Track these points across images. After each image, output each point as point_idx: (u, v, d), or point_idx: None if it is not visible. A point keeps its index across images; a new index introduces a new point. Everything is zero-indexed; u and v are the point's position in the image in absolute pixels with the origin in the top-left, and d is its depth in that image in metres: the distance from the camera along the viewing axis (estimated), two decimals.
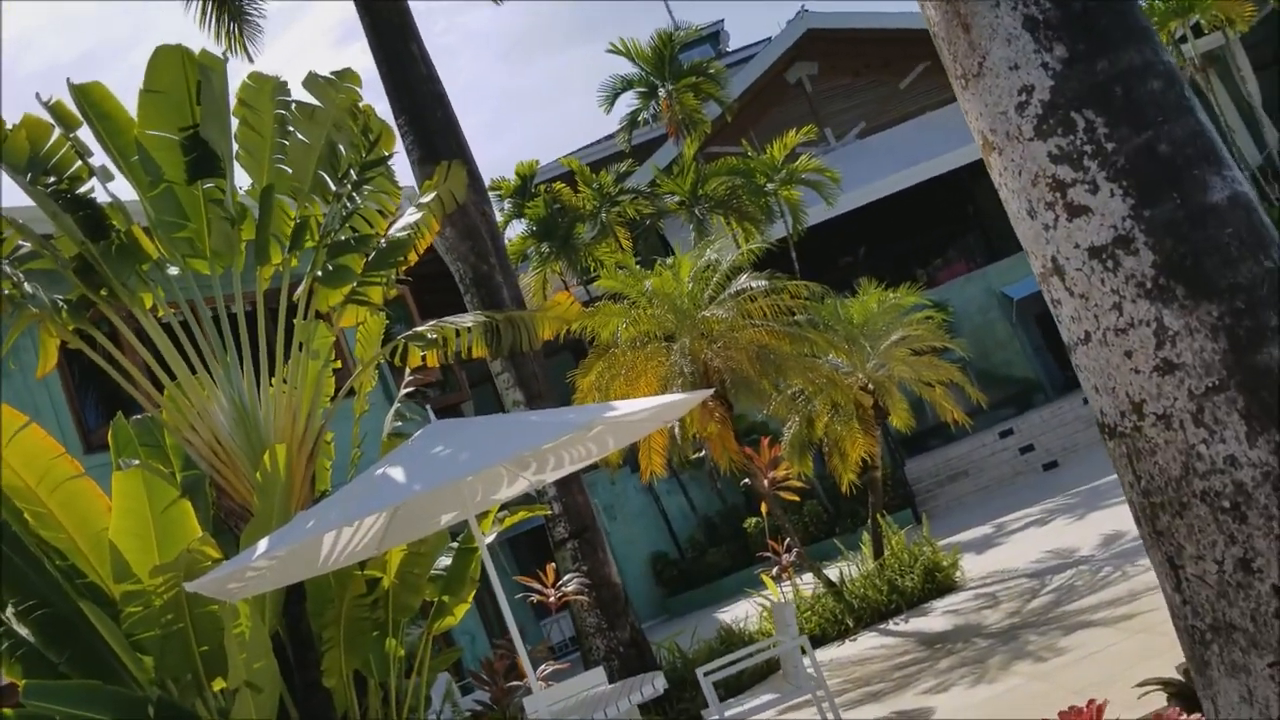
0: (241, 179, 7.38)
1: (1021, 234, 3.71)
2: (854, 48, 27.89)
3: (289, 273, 7.57)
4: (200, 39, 16.43)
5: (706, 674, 7.85)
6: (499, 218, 23.14)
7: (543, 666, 10.22)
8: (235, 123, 7.17)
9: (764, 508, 13.99)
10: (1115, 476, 3.73)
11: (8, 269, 6.83)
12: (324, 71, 7.46)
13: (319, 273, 7.56)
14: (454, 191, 8.37)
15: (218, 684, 6.45)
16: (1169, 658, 5.33)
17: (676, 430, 13.18)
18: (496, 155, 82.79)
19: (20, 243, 7.06)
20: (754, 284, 12.79)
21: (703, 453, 15.79)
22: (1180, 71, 3.64)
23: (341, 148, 7.64)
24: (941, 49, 3.83)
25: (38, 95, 6.74)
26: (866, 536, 13.67)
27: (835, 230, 25.36)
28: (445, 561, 8.19)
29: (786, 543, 12.91)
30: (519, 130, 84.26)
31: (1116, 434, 3.59)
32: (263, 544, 5.57)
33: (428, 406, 18.04)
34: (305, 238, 7.58)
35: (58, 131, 6.88)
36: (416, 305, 18.18)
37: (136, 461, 6.99)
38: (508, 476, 7.46)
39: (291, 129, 7.36)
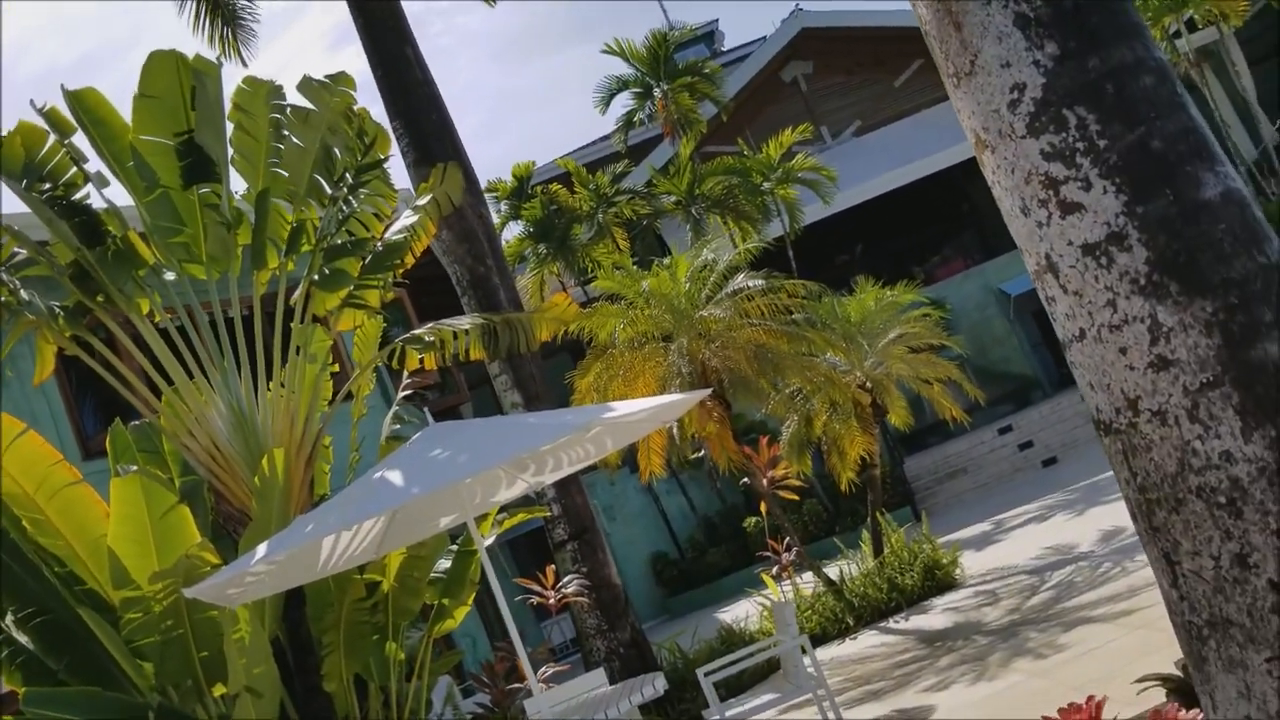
0: (237, 183, 7.40)
1: (1015, 232, 3.72)
2: (848, 46, 27.91)
3: (285, 277, 7.57)
4: (195, 44, 16.45)
5: (707, 674, 7.85)
6: (496, 219, 23.11)
7: (543, 668, 10.23)
8: (230, 127, 7.18)
9: (763, 507, 14.00)
10: (1113, 472, 3.74)
11: (4, 276, 6.84)
12: (319, 75, 7.47)
13: (315, 277, 7.56)
14: (450, 194, 8.37)
15: (218, 689, 6.45)
16: (1168, 653, 5.33)
17: (675, 430, 13.18)
18: (493, 156, 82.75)
19: (16, 249, 7.06)
20: (751, 283, 12.78)
21: (702, 452, 15.79)
22: (1172, 68, 3.65)
23: (337, 151, 7.65)
24: (934, 47, 3.84)
25: (32, 102, 6.75)
26: (866, 535, 13.68)
27: (832, 229, 25.37)
28: (445, 564, 8.18)
29: (786, 542, 12.92)
30: (515, 131, 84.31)
31: (1112, 431, 3.60)
32: (261, 549, 5.58)
33: (426, 409, 18.03)
34: (301, 242, 7.58)
35: (53, 138, 6.88)
36: (414, 308, 18.18)
37: (134, 467, 6.98)
38: (506, 478, 7.45)
39: (287, 133, 7.36)
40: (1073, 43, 3.50)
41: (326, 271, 7.58)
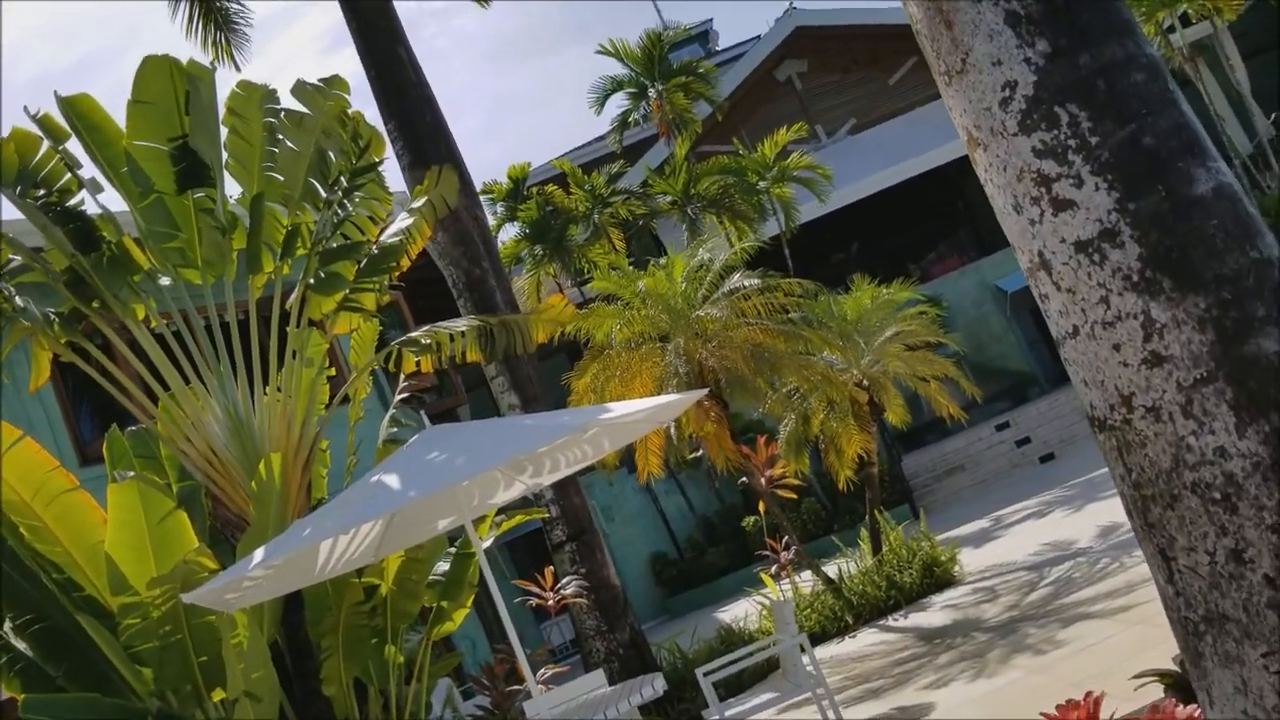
0: (232, 188, 7.40)
1: (1008, 229, 3.72)
2: (843, 44, 27.94)
3: (281, 281, 7.57)
4: (189, 49, 16.43)
5: (706, 674, 7.85)
6: (491, 221, 23.14)
7: (543, 670, 10.23)
8: (224, 132, 7.18)
9: (762, 506, 14.00)
10: (1108, 469, 3.74)
11: None
12: (313, 79, 7.47)
13: (311, 280, 7.56)
14: (445, 196, 8.38)
15: (217, 694, 6.45)
16: (1166, 649, 5.33)
17: (673, 430, 13.18)
18: (488, 158, 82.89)
19: (11, 256, 7.06)
20: (747, 283, 12.79)
21: (700, 452, 15.79)
22: (1164, 64, 3.64)
23: (331, 154, 7.65)
24: (925, 46, 3.84)
25: (25, 109, 6.76)
26: (864, 533, 13.68)
27: (828, 227, 25.39)
28: (443, 567, 8.18)
29: (785, 541, 12.92)
30: (510, 133, 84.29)
31: (1106, 427, 3.60)
32: (259, 553, 5.58)
33: (423, 412, 18.03)
34: (297, 245, 7.58)
35: (46, 144, 6.89)
36: (410, 310, 18.18)
37: (132, 473, 6.98)
38: (504, 480, 7.46)
39: (281, 137, 7.37)
40: (1064, 40, 3.50)
41: (322, 275, 7.58)
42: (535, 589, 11.39)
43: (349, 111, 7.71)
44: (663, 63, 24.26)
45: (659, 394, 11.95)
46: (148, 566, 6.18)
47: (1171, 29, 22.44)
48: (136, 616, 6.18)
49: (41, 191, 6.92)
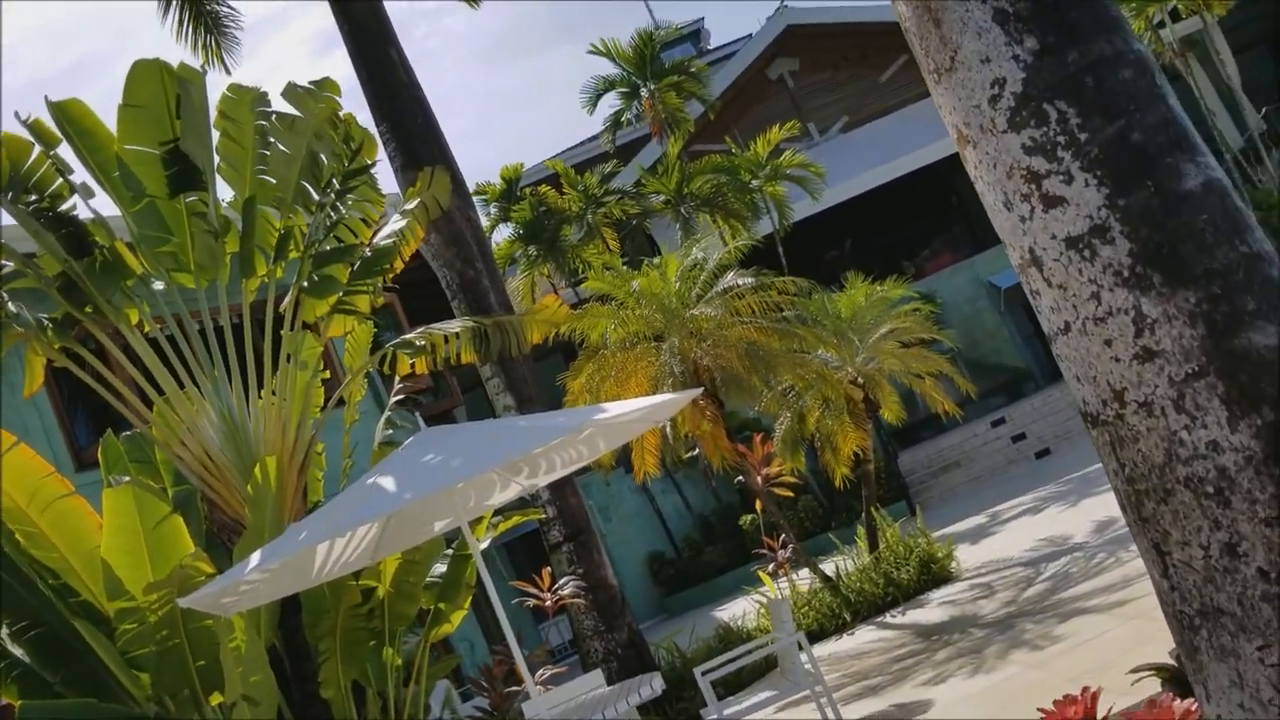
0: (224, 191, 7.40)
1: (999, 226, 3.73)
2: (834, 42, 27.95)
3: (274, 284, 7.57)
4: (179, 53, 16.41)
5: (704, 673, 7.86)
6: (485, 222, 23.13)
7: (541, 670, 10.24)
8: (216, 135, 7.17)
9: (759, 505, 14.02)
10: (1102, 464, 3.75)
11: None
12: (304, 81, 7.47)
13: (305, 283, 7.56)
14: (438, 197, 8.38)
15: (215, 698, 6.44)
16: (1162, 643, 5.34)
17: (669, 430, 13.20)
18: (481, 159, 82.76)
19: (3, 262, 7.05)
20: (741, 281, 12.80)
21: (696, 451, 15.80)
22: (1152, 59, 3.66)
23: (323, 157, 7.65)
24: (914, 44, 3.85)
25: (16, 114, 6.75)
26: (861, 530, 13.70)
27: (821, 225, 25.39)
28: (440, 569, 8.18)
29: (782, 539, 12.94)
30: (502, 133, 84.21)
31: (1099, 422, 3.61)
32: (256, 557, 5.57)
33: (418, 414, 18.01)
34: (290, 248, 7.58)
35: (37, 149, 6.88)
36: (404, 312, 18.17)
37: (127, 478, 6.97)
38: (500, 482, 7.46)
39: (272, 140, 7.37)
40: (1052, 37, 3.52)
41: (315, 278, 7.58)
42: (533, 590, 11.39)
43: (340, 114, 7.71)
44: (654, 62, 24.26)
45: (654, 394, 11.95)
46: (144, 571, 6.17)
47: (1161, 24, 22.48)
48: (133, 621, 6.17)
49: (33, 197, 6.92)
